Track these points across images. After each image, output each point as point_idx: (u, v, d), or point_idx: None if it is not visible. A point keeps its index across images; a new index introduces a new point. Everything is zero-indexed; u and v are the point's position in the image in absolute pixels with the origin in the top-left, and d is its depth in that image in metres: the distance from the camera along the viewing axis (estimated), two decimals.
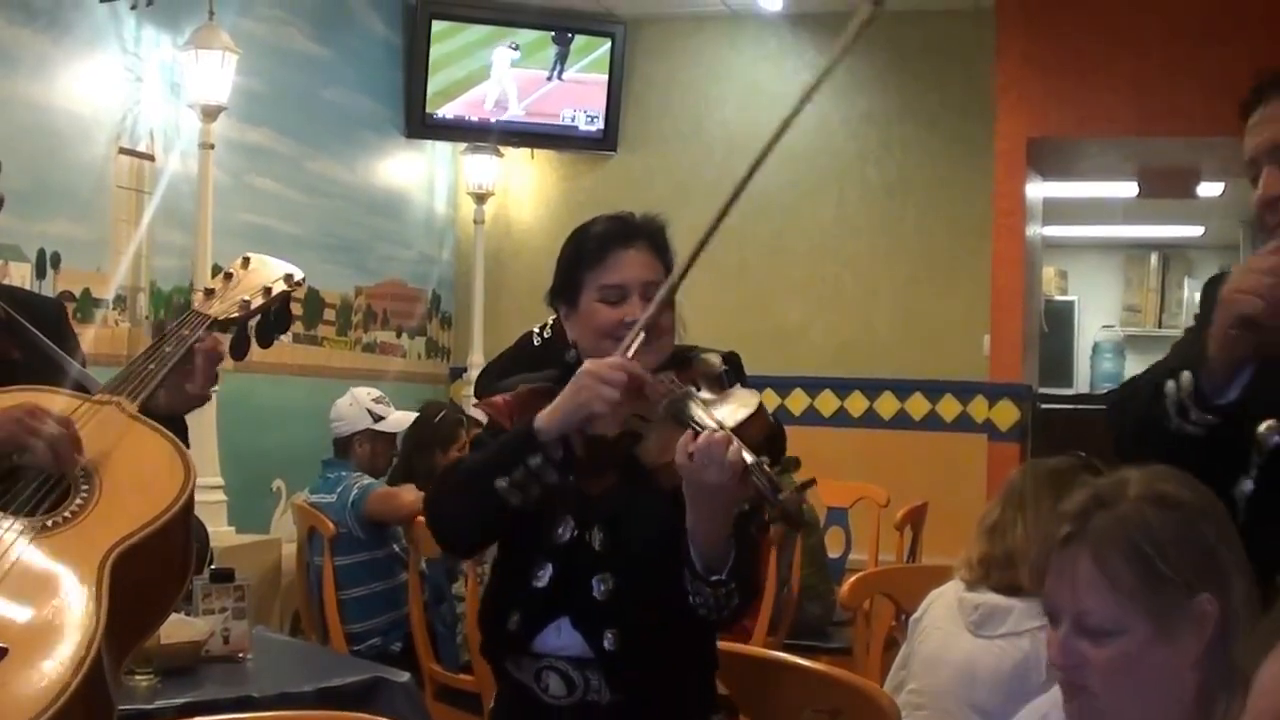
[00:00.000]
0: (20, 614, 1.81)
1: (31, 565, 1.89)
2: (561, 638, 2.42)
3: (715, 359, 2.43)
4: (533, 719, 2.48)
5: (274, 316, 2.60)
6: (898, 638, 3.36)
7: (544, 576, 2.43)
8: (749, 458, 2.08)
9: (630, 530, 2.40)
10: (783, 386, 7.23)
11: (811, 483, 2.06)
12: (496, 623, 2.48)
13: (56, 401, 2.20)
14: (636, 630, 2.38)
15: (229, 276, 2.62)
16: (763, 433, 2.23)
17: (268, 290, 2.58)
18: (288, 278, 2.62)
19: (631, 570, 2.39)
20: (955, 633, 2.89)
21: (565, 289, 2.51)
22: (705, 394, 2.29)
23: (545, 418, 2.32)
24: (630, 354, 2.31)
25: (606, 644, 2.38)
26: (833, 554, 5.78)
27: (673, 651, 2.43)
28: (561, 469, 2.32)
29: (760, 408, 2.23)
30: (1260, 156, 2.09)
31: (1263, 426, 1.96)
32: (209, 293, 2.58)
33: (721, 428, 2.13)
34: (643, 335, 2.34)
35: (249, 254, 2.69)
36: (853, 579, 3.50)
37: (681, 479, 2.18)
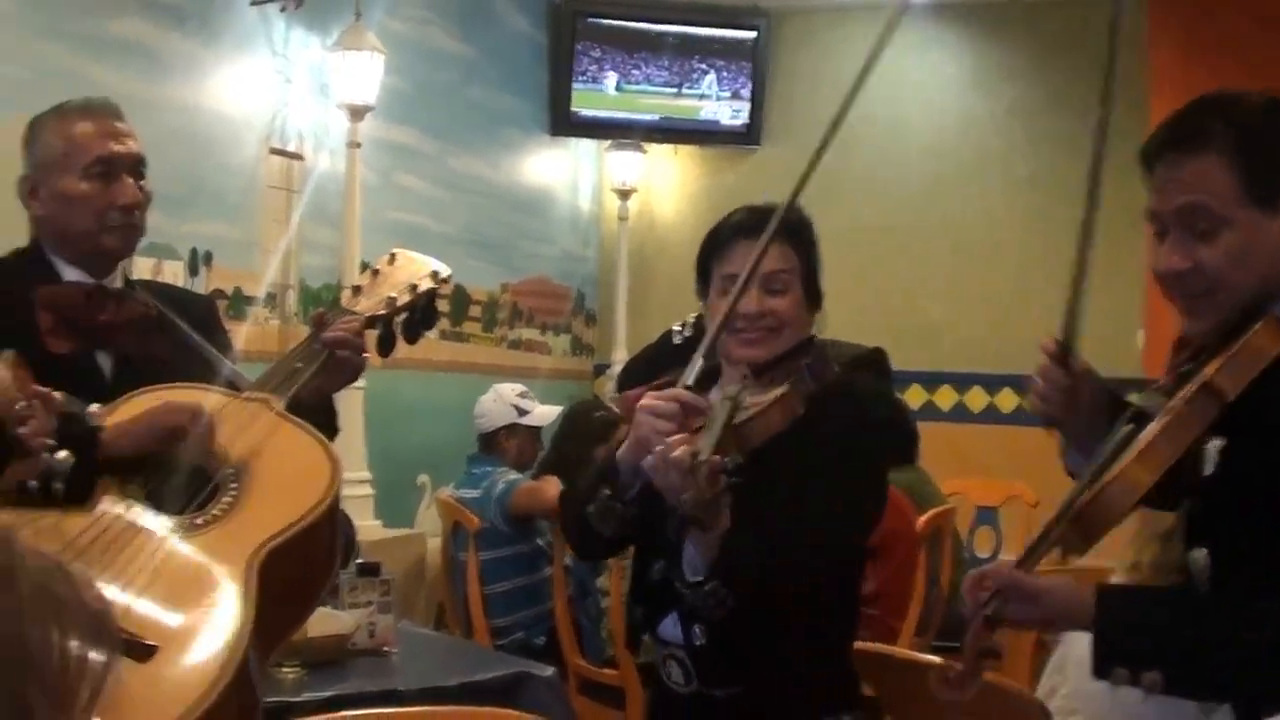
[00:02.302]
0: (171, 613, 1.82)
1: (182, 564, 1.91)
2: (675, 629, 2.41)
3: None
4: (669, 707, 2.48)
5: (420, 313, 2.61)
6: (1047, 641, 3.28)
7: (658, 571, 2.41)
8: (689, 456, 2.06)
9: None
10: (930, 382, 7.10)
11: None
12: (628, 614, 2.48)
13: (208, 399, 2.23)
14: (721, 626, 2.33)
15: (376, 273, 2.63)
16: (774, 427, 2.19)
17: (414, 287, 2.58)
18: (434, 274, 2.62)
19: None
20: None
21: (701, 279, 2.48)
22: (747, 395, 2.23)
23: (623, 451, 2.30)
24: (692, 380, 2.26)
25: (695, 639, 2.36)
26: (982, 554, 5.68)
27: (774, 648, 2.36)
28: (635, 503, 2.28)
29: (777, 400, 2.18)
30: (1167, 216, 1.93)
31: None
32: (356, 290, 2.60)
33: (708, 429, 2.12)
34: (701, 362, 2.28)
35: (396, 250, 2.70)
36: None
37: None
